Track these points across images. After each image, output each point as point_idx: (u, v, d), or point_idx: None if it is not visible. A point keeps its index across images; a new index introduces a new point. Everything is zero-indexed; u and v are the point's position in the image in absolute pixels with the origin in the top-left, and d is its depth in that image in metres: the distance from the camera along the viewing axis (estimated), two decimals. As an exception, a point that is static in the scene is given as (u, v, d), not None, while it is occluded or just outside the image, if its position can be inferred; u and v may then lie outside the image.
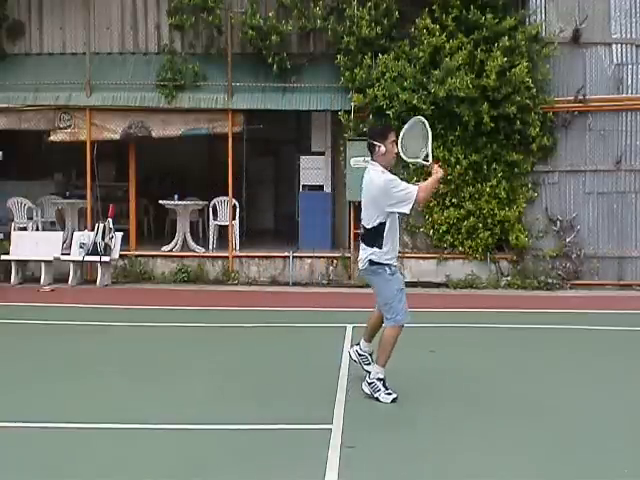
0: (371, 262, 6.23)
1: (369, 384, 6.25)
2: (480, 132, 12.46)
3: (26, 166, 15.30)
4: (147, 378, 6.97)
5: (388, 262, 6.21)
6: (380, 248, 6.17)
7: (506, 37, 12.28)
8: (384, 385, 6.20)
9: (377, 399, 6.14)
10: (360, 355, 6.69)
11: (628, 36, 12.79)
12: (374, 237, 6.19)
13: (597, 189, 12.85)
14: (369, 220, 6.22)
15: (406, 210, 6.13)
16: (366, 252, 6.25)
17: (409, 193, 6.08)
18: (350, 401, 6.12)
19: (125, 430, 5.57)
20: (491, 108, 12.21)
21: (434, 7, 12.66)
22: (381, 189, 6.11)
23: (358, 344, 6.78)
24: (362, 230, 6.43)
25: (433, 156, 6.46)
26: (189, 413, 5.91)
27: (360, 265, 6.40)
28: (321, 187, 13.87)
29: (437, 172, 6.28)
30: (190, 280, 13.03)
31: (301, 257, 13.05)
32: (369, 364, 6.55)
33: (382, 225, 6.16)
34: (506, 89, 12.17)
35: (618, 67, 12.75)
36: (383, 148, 6.23)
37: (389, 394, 6.15)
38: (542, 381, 6.91)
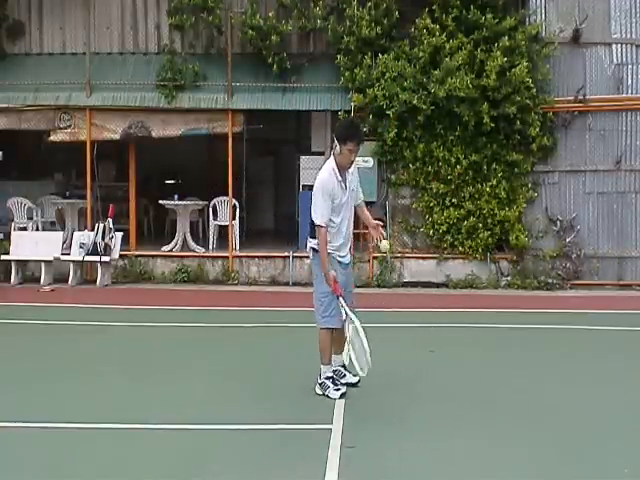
0: (313, 250, 6.29)
1: (319, 385, 6.29)
2: (480, 132, 12.46)
3: (26, 166, 15.30)
4: (147, 378, 6.97)
5: (331, 252, 6.19)
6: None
7: (506, 37, 12.29)
8: (333, 382, 6.26)
9: (327, 396, 6.18)
10: (334, 371, 6.46)
11: (628, 36, 12.79)
12: (313, 229, 6.24)
13: (597, 189, 12.85)
14: (313, 211, 6.19)
15: (313, 219, 6.12)
16: (310, 243, 6.33)
17: (317, 214, 6.09)
18: (350, 401, 6.12)
19: (125, 430, 5.57)
20: (491, 108, 12.22)
21: (434, 7, 12.67)
22: (315, 186, 6.18)
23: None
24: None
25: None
26: (189, 413, 5.91)
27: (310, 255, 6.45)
28: (321, 187, 13.84)
29: (327, 279, 6.08)
30: (190, 280, 13.03)
31: (301, 257, 13.05)
32: (344, 376, 6.45)
33: None
34: (506, 89, 12.17)
35: (618, 67, 12.75)
36: (338, 149, 6.20)
37: (337, 390, 6.20)
38: (542, 381, 6.91)
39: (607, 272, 12.81)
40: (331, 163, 6.25)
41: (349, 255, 6.51)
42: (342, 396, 6.15)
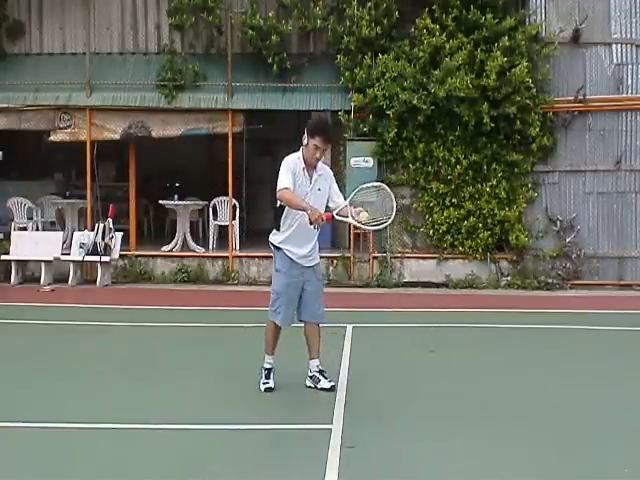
0: (273, 245, 6.36)
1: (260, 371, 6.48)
2: (480, 132, 12.46)
3: (26, 166, 15.30)
4: (147, 378, 6.97)
5: (283, 247, 6.24)
6: (278, 230, 6.28)
7: (506, 37, 12.29)
8: (266, 376, 6.43)
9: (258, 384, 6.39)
10: (311, 377, 6.50)
11: (628, 36, 12.79)
12: (274, 217, 6.31)
13: (597, 189, 12.85)
14: (277, 187, 6.16)
15: (277, 192, 6.11)
16: (271, 237, 6.39)
17: (280, 183, 6.10)
18: (350, 401, 6.12)
19: (125, 430, 5.56)
20: (491, 108, 12.21)
21: (434, 7, 12.67)
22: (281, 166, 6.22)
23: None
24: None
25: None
26: (189, 413, 5.91)
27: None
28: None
29: (311, 214, 5.93)
30: (190, 280, 13.03)
31: (301, 257, 13.03)
32: (319, 381, 6.43)
33: (281, 208, 6.21)
34: (506, 89, 12.17)
35: (618, 67, 12.75)
36: (305, 142, 6.20)
37: (265, 384, 6.39)
38: (542, 381, 6.90)
39: (607, 272, 12.81)
40: (298, 153, 6.28)
41: (313, 258, 6.44)
42: (267, 390, 6.34)
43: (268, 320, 6.45)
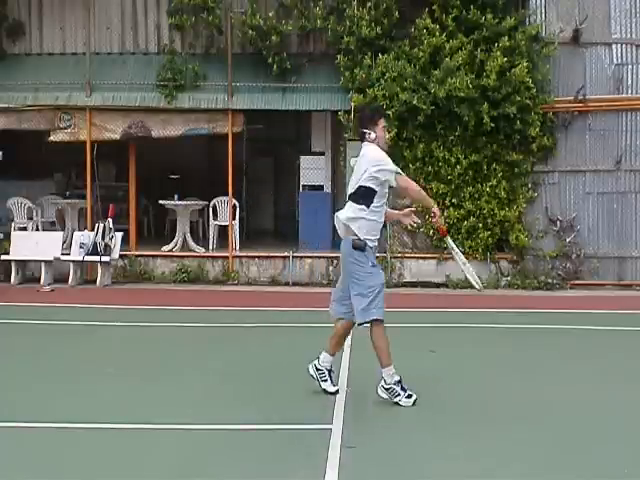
0: (353, 247, 6.03)
1: (386, 390, 6.01)
2: (480, 132, 12.45)
3: (26, 166, 15.28)
4: (147, 378, 6.97)
5: (367, 238, 6.02)
6: (367, 207, 6.01)
7: (506, 37, 12.29)
8: (402, 388, 5.99)
9: (397, 403, 5.97)
10: (318, 370, 6.29)
11: (628, 36, 12.79)
12: (360, 197, 6.06)
13: (597, 189, 12.85)
14: (380, 171, 6.01)
15: (384, 174, 5.98)
16: (348, 223, 6.08)
17: (389, 165, 6.01)
18: (350, 401, 6.12)
19: (125, 430, 5.56)
20: (491, 108, 12.21)
21: (434, 7, 12.67)
22: (371, 157, 6.07)
23: (318, 358, 6.35)
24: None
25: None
26: (189, 413, 5.91)
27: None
28: (321, 187, 13.87)
29: (435, 214, 6.10)
30: (190, 280, 13.03)
31: (301, 257, 13.05)
32: (326, 380, 6.28)
33: (371, 190, 6.00)
34: (506, 89, 12.17)
35: (618, 67, 12.75)
36: (373, 135, 6.15)
37: (409, 397, 5.97)
38: (542, 381, 6.91)
39: (607, 272, 12.80)
40: (372, 145, 6.17)
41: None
42: (414, 403, 5.93)
43: (374, 330, 6.00)
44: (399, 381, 6.02)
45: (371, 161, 6.04)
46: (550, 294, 12.24)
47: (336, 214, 6.20)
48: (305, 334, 9.08)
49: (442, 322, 9.65)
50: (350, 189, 6.19)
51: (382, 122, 6.22)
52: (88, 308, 10.82)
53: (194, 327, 9.39)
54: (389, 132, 6.38)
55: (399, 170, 6.06)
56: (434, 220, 6.15)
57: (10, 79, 13.41)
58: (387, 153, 6.20)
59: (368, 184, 6.00)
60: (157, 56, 13.73)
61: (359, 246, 5.97)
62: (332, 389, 6.24)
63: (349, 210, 6.08)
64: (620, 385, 6.79)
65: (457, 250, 6.29)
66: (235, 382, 6.80)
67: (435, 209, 6.11)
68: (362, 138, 6.24)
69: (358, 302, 5.99)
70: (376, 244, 6.19)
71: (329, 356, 6.31)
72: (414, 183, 6.17)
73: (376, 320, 5.99)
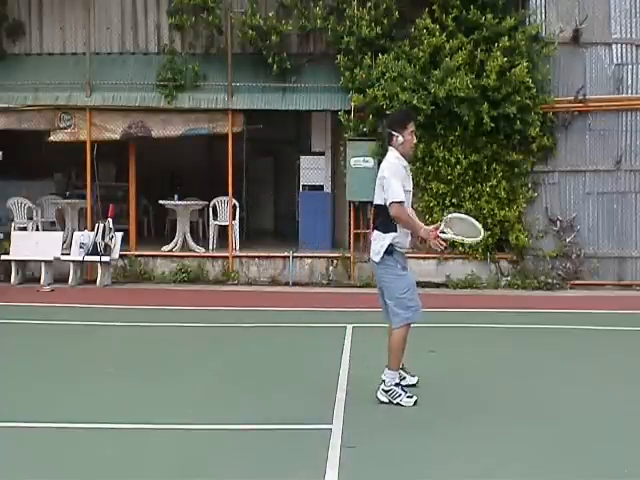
0: (379, 252, 6.06)
1: (386, 392, 6.04)
2: (480, 132, 12.45)
3: (26, 166, 15.29)
4: (147, 378, 6.97)
5: (395, 242, 6.04)
6: (395, 231, 6.03)
7: (506, 37, 12.29)
8: (404, 390, 6.05)
9: (399, 404, 5.98)
10: (387, 391, 6.08)
11: (628, 36, 12.79)
12: (384, 220, 6.05)
13: (597, 189, 12.85)
14: (385, 193, 5.98)
15: (387, 199, 5.96)
16: (376, 243, 6.11)
17: (393, 193, 5.92)
18: (350, 401, 6.12)
19: (125, 430, 5.57)
20: (491, 108, 12.20)
21: (434, 7, 12.67)
22: (384, 170, 6.07)
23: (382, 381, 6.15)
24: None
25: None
26: (189, 413, 5.91)
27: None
28: (321, 187, 13.88)
29: (429, 238, 6.06)
30: (190, 280, 13.03)
31: (301, 257, 13.05)
32: (404, 378, 6.30)
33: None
34: (506, 89, 12.16)
35: (618, 67, 12.75)
36: (401, 138, 6.11)
37: (410, 397, 6.00)
38: (542, 381, 6.91)
39: (607, 272, 12.80)
40: (395, 153, 6.13)
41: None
42: (415, 403, 5.98)
43: (399, 330, 6.02)
44: (399, 383, 6.07)
45: (381, 178, 6.07)
46: (550, 294, 12.24)
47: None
48: (305, 334, 9.09)
49: (442, 322, 9.64)
50: (377, 198, 6.14)
51: (411, 126, 6.18)
52: (88, 308, 10.82)
53: (194, 327, 9.39)
54: (416, 136, 6.31)
55: (398, 199, 5.92)
56: (428, 242, 6.12)
57: (10, 79, 13.42)
58: (412, 157, 6.16)
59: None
60: (157, 56, 13.73)
61: (387, 250, 6.03)
62: (410, 401, 6.02)
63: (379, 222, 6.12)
64: (620, 385, 6.79)
65: (452, 236, 6.17)
66: (235, 382, 6.80)
67: (423, 235, 6.08)
68: (389, 140, 6.23)
69: (391, 306, 6.08)
70: (407, 246, 6.21)
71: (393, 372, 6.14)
72: (406, 214, 5.99)
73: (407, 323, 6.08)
